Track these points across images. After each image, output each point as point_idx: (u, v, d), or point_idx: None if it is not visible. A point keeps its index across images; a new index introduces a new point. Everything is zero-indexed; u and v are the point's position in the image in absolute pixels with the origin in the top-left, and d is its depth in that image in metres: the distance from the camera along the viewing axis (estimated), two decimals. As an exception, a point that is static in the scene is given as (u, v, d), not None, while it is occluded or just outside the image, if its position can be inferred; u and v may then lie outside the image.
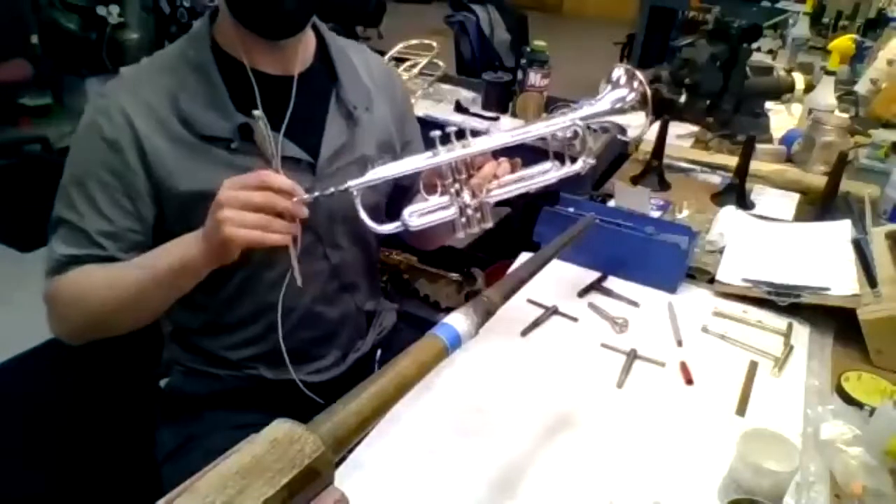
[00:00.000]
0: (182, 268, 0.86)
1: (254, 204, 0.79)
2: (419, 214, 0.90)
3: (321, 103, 1.00)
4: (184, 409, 1.07)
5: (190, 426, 1.04)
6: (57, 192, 0.94)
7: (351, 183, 0.85)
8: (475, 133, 0.90)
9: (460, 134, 0.88)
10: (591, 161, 0.96)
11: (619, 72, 0.98)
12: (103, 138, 0.90)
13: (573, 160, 0.96)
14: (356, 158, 1.02)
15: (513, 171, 0.94)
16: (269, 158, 0.86)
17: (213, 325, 1.04)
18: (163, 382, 1.13)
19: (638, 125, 0.98)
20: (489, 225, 0.92)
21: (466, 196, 0.90)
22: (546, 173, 0.96)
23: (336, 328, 1.10)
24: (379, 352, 1.18)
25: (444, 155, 0.88)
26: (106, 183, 0.91)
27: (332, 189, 0.84)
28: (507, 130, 0.93)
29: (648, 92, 0.96)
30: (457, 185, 0.89)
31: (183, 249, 0.86)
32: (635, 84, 0.96)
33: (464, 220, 0.91)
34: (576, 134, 0.94)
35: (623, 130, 0.99)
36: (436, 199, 0.90)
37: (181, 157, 0.91)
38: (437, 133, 0.88)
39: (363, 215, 0.87)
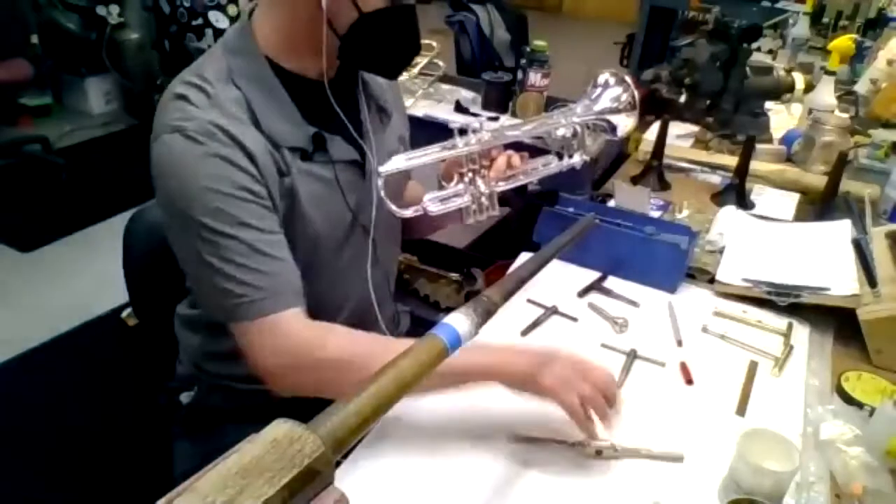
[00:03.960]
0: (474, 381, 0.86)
1: (596, 394, 0.82)
2: (438, 200, 0.95)
3: (355, 104, 1.01)
4: (206, 424, 1.06)
5: (211, 441, 1.03)
6: (185, 246, 0.85)
7: (387, 167, 0.89)
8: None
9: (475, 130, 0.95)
10: (586, 158, 1.08)
11: (605, 75, 1.09)
12: (220, 156, 0.82)
13: (570, 156, 1.07)
14: (388, 153, 1.03)
15: (521, 162, 1.01)
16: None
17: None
18: (184, 397, 1.10)
19: (626, 125, 1.09)
20: (496, 212, 0.99)
21: (481, 184, 0.95)
22: (548, 166, 1.07)
23: (380, 332, 1.09)
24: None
25: (465, 147, 0.94)
26: (244, 199, 0.84)
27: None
28: (516, 125, 1.02)
29: (636, 94, 1.07)
30: (470, 174, 0.95)
31: (503, 368, 0.85)
32: (624, 86, 1.07)
33: (475, 207, 0.96)
34: (575, 133, 1.04)
35: (614, 129, 1.09)
36: (452, 188, 0.96)
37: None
38: (456, 125, 0.94)
39: (386, 200, 0.90)
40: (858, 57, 2.44)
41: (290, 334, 0.84)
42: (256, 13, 0.92)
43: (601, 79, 1.08)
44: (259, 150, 0.86)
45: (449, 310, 0.71)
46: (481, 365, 0.84)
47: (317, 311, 1.00)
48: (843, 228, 1.29)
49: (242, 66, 0.89)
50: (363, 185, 0.99)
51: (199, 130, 0.82)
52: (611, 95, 1.07)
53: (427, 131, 1.25)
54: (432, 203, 0.94)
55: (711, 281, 1.24)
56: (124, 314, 2.24)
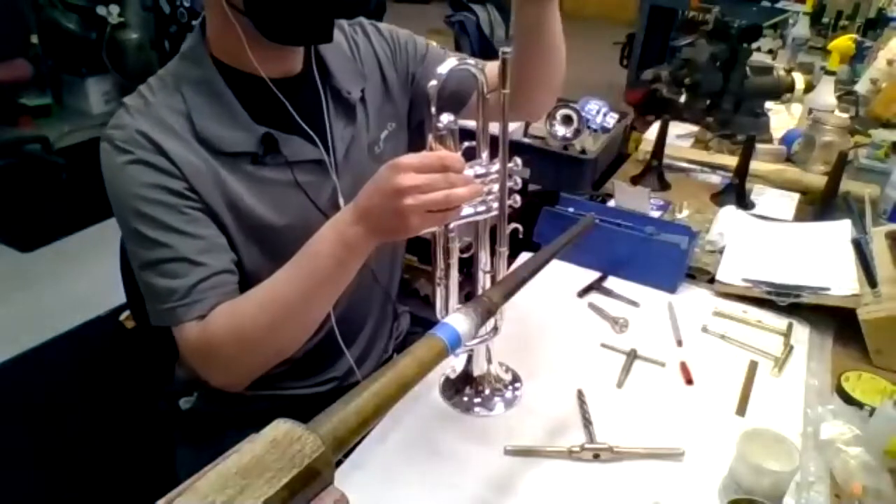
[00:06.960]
0: (349, 254, 0.80)
1: (436, 189, 0.73)
2: None
3: (320, 100, 0.97)
4: (207, 430, 1.05)
5: (213, 447, 1.02)
6: (126, 247, 0.89)
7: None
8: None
9: None
10: None
11: None
12: (144, 162, 0.84)
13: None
14: (366, 145, 1.01)
15: None
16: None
17: None
18: (183, 403, 1.10)
19: None
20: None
21: None
22: None
23: (368, 329, 1.08)
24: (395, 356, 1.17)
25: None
26: (171, 204, 0.84)
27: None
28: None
29: None
30: None
31: (340, 237, 0.79)
32: None
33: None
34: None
35: None
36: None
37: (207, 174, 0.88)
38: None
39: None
40: (858, 57, 2.44)
41: (186, 346, 0.86)
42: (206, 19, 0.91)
43: None
44: (186, 159, 0.85)
45: (449, 310, 0.71)
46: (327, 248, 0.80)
47: None
48: (843, 228, 1.29)
49: (190, 71, 0.89)
50: (332, 184, 0.95)
51: (125, 139, 0.84)
52: None
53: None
54: None
55: (711, 281, 1.24)
56: (122, 316, 2.24)
